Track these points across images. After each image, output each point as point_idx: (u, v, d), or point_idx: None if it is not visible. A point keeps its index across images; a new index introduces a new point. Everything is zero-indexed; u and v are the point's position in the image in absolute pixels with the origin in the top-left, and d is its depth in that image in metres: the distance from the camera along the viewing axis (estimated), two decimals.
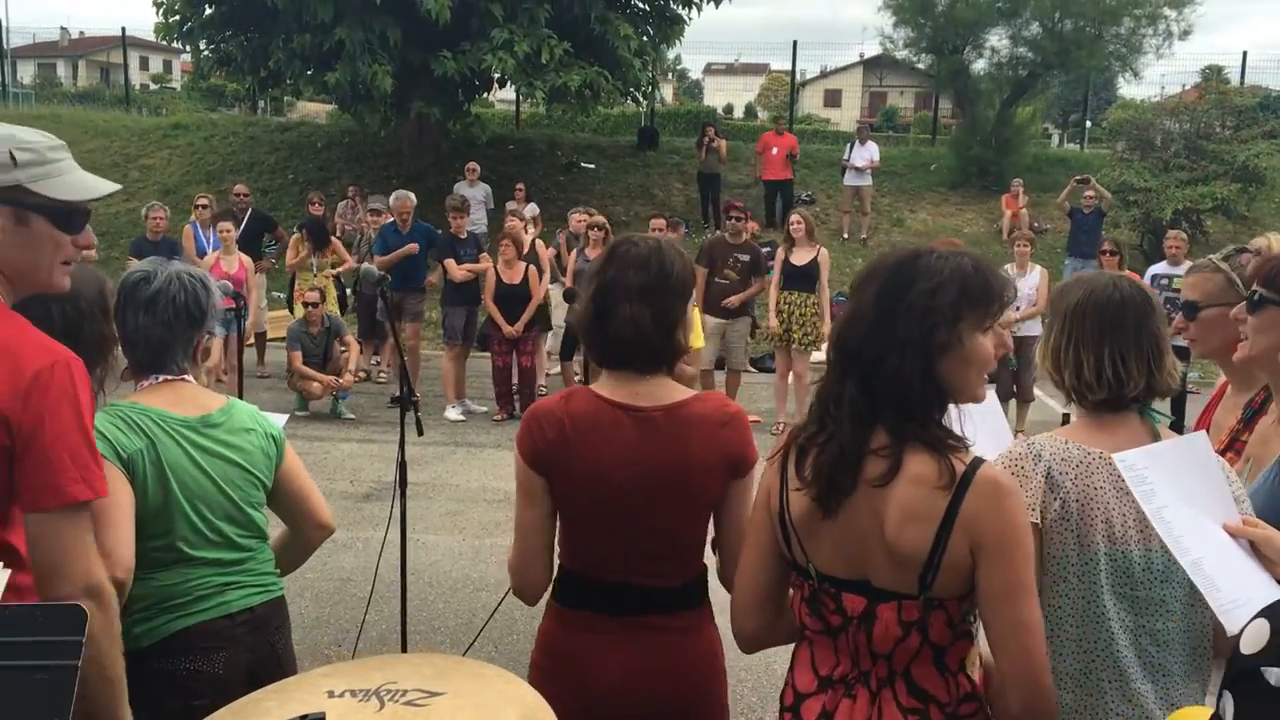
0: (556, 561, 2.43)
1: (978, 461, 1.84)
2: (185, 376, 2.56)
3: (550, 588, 2.45)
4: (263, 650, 2.59)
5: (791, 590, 2.03)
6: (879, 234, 18.09)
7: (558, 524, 2.39)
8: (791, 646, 2.10)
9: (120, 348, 2.55)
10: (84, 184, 2.02)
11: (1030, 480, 2.14)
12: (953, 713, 1.87)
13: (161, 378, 2.53)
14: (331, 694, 1.75)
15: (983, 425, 2.77)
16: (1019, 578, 1.80)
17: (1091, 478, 2.16)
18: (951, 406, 2.81)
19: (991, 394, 2.93)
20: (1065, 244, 15.65)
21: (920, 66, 22.60)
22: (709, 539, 2.40)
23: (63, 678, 1.58)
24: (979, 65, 20.76)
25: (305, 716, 1.52)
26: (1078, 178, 16.33)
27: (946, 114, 26.78)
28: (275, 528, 2.77)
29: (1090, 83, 24.34)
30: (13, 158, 1.90)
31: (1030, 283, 9.73)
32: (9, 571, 1.69)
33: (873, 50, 38.75)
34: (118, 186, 2.13)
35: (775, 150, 17.81)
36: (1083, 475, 2.16)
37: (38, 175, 1.93)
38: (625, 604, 2.32)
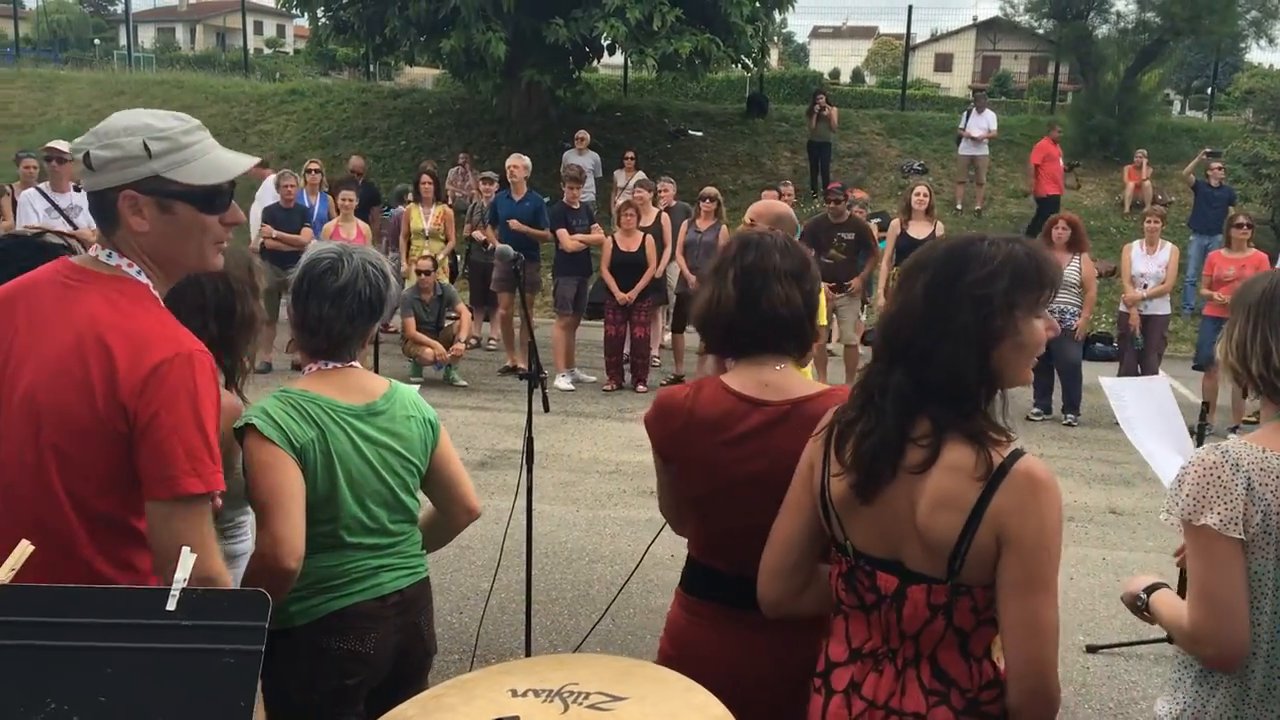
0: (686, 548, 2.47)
1: (1016, 454, 1.83)
2: (354, 364, 2.61)
3: (681, 576, 2.48)
4: (410, 631, 2.64)
5: (831, 565, 2.06)
6: (994, 205, 17.64)
7: (686, 512, 2.44)
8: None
9: (293, 328, 2.60)
10: (221, 164, 2.00)
11: (1230, 491, 2.05)
12: (973, 698, 1.89)
13: (332, 365, 2.57)
14: (514, 693, 1.76)
15: (1148, 405, 2.67)
16: (1038, 573, 1.80)
17: None
18: (1113, 386, 2.73)
19: (1164, 377, 2.81)
20: (1188, 218, 15.07)
21: (1040, 31, 21.89)
22: None
23: (248, 661, 1.63)
24: (1103, 30, 20.03)
25: None
26: (1206, 150, 15.70)
27: (1064, 80, 25.94)
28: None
29: (1218, 48, 23.31)
30: (147, 149, 1.90)
31: (1160, 260, 9.42)
32: (31, 548, 1.73)
33: (987, 13, 37.71)
34: (255, 161, 2.09)
35: (1061, 161, 16.19)
36: None
37: (175, 163, 1.93)
38: (750, 598, 2.30)
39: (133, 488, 1.90)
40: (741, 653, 2.31)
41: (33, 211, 8.32)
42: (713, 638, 2.35)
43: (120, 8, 39.75)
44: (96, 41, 48.26)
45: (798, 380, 2.35)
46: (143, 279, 1.96)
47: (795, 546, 2.08)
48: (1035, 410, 9.50)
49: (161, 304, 1.98)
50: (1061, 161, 15.95)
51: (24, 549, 1.70)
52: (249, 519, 2.72)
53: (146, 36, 53.83)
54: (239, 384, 2.67)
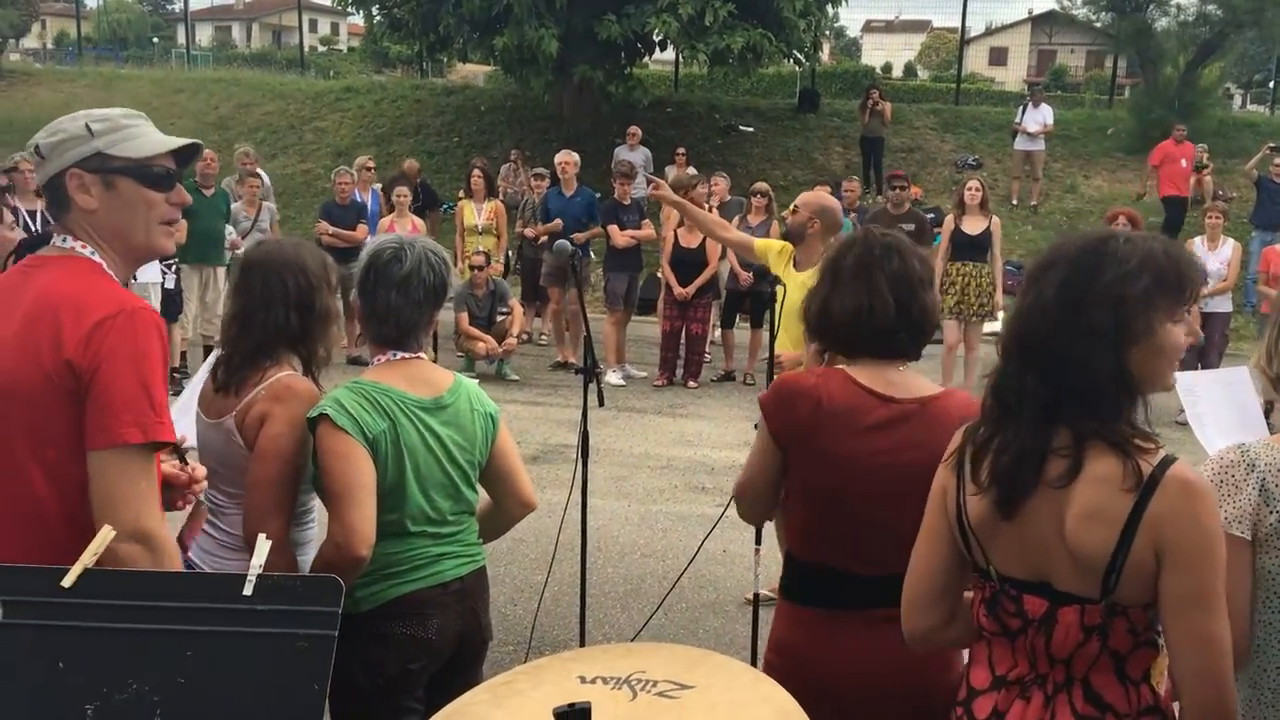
0: (783, 550, 2.47)
1: (1168, 460, 1.74)
2: (420, 354, 2.66)
3: (779, 585, 2.48)
4: (469, 618, 2.69)
5: (970, 591, 1.99)
6: (1050, 200, 17.42)
7: (791, 504, 2.43)
8: None
9: (360, 320, 2.66)
10: (158, 141, 2.10)
11: (1241, 491, 2.03)
12: None
13: (400, 355, 2.63)
14: (583, 679, 1.80)
15: (1223, 400, 2.63)
16: (1206, 587, 1.70)
17: None
18: (1185, 380, 2.67)
19: (1244, 368, 2.75)
20: (1251, 214, 14.78)
21: (1098, 25, 21.58)
22: None
23: (322, 645, 1.67)
24: (1162, 23, 19.72)
25: (573, 705, 1.56)
26: (1270, 145, 15.38)
27: (1123, 74, 25.56)
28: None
29: None
30: (89, 129, 2.01)
31: (1221, 257, 9.26)
32: (114, 532, 1.77)
33: (1043, 6, 37.22)
34: (189, 141, 2.16)
35: (1184, 162, 15.32)
36: None
37: (115, 140, 2.03)
38: (863, 595, 2.31)
39: None
40: (856, 653, 2.27)
41: None
42: (829, 642, 2.31)
43: (179, 6, 40.58)
44: (155, 40, 49.08)
45: (921, 380, 2.38)
46: (96, 258, 2.04)
47: (938, 575, 2.00)
48: None
49: (112, 277, 2.04)
50: (1184, 163, 15.32)
51: (106, 534, 1.76)
52: (317, 503, 2.79)
53: (204, 35, 54.61)
54: (315, 374, 2.74)
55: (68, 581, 1.68)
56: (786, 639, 2.41)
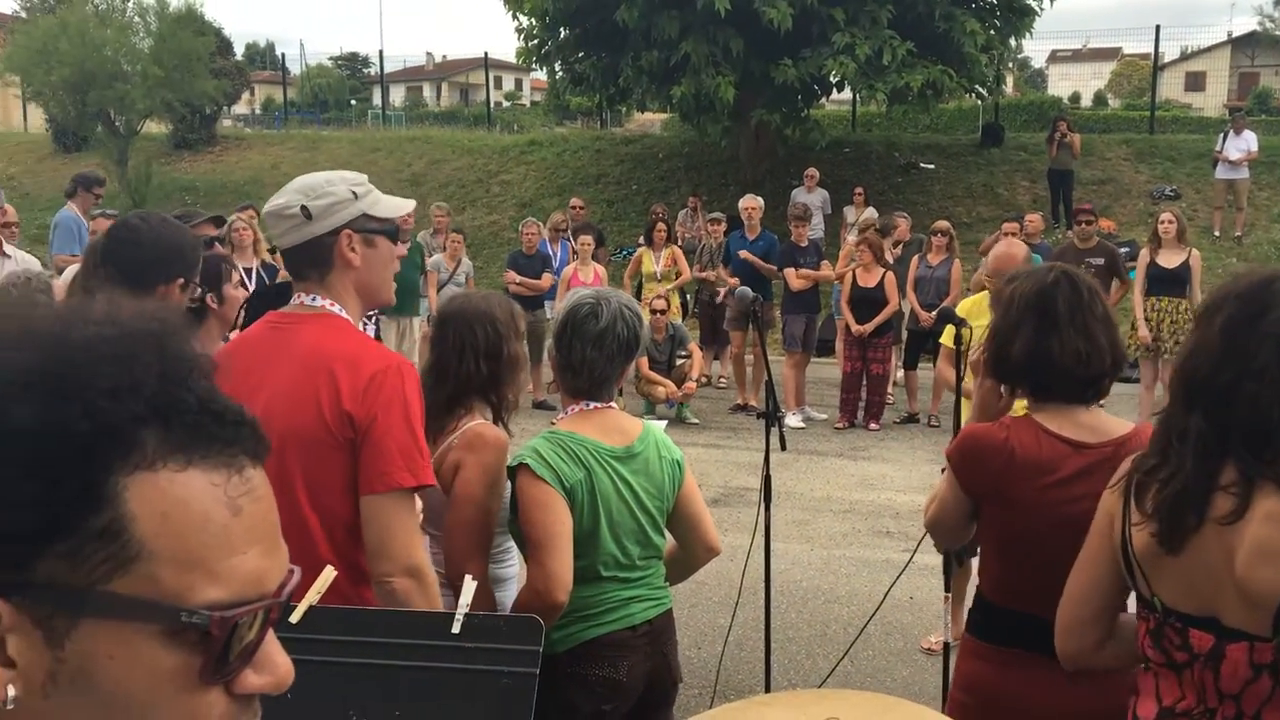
0: (974, 592, 2.47)
1: None
2: (612, 404, 2.77)
3: (966, 622, 2.47)
4: (658, 660, 2.75)
5: (1138, 621, 1.96)
6: (1256, 231, 16.44)
7: (986, 552, 2.45)
8: None
9: (555, 370, 2.78)
10: (397, 202, 2.32)
11: None
12: None
13: (593, 405, 2.73)
14: None
15: None
16: None
17: None
18: None
19: None
20: None
21: None
22: None
23: (525, 683, 1.76)
24: None
25: None
26: None
27: None
28: None
29: None
30: (354, 193, 2.19)
31: None
32: (335, 573, 1.89)
33: (1242, 27, 35.29)
34: (414, 203, 2.44)
35: None
36: None
37: (372, 202, 2.23)
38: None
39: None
40: (1053, 699, 2.25)
41: None
42: (1019, 685, 2.30)
43: (374, 70, 43.00)
44: (353, 102, 51.93)
45: (1110, 420, 2.36)
46: (343, 314, 2.23)
47: (1093, 599, 2.02)
48: None
49: (365, 332, 2.24)
50: None
51: (328, 574, 1.89)
52: (513, 543, 2.91)
53: (397, 95, 57.44)
54: (506, 419, 2.88)
55: (295, 618, 1.82)
56: (977, 676, 2.40)
